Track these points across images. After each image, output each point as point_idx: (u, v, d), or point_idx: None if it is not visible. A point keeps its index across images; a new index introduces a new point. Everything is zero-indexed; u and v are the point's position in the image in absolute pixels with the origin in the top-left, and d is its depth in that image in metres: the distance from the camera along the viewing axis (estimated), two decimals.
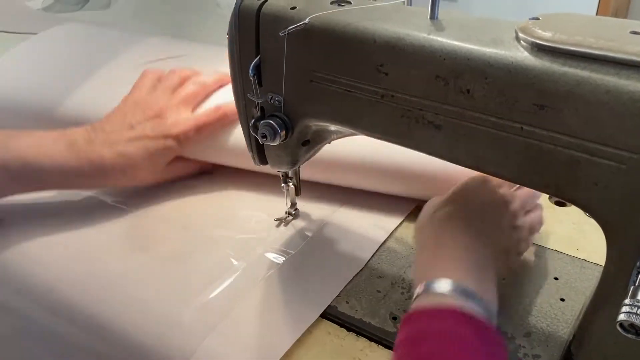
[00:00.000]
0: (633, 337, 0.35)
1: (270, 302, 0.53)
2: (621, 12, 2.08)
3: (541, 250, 0.59)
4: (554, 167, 0.38)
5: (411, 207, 0.66)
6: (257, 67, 0.50)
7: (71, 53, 0.86)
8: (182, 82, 0.69)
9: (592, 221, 0.63)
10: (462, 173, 0.58)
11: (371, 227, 0.63)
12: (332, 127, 0.52)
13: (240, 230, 0.63)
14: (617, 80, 0.34)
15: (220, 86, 0.71)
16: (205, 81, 0.69)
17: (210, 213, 0.66)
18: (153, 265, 0.58)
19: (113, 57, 0.82)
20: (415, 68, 0.41)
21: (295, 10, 0.47)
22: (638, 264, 0.37)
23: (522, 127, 0.38)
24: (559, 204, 0.68)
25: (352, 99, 0.46)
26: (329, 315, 0.52)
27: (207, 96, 0.70)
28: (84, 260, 0.59)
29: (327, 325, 0.52)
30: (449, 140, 0.42)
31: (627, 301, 0.35)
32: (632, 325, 0.35)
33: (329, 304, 0.53)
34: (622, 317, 0.35)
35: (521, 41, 0.38)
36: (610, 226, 0.38)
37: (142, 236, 0.62)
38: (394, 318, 0.51)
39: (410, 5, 0.47)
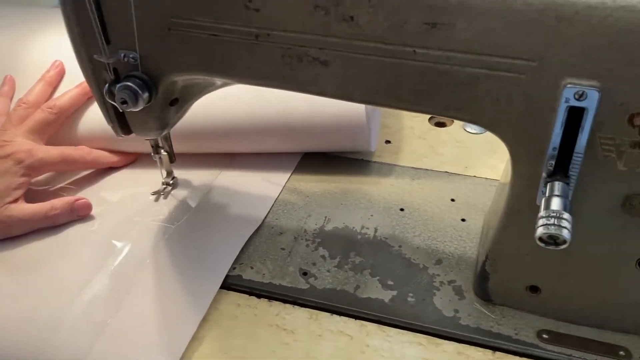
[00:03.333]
0: (553, 247, 0.35)
1: (164, 283, 0.48)
2: None
3: (434, 174, 0.59)
4: (452, 88, 0.36)
5: (299, 156, 0.62)
6: (101, 21, 0.42)
7: None
8: (31, 111, 0.57)
9: (474, 137, 0.65)
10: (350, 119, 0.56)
11: (261, 184, 0.58)
12: (203, 80, 0.46)
13: (115, 212, 0.55)
14: None
15: (78, 106, 0.60)
16: (60, 105, 0.58)
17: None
18: (19, 272, 0.49)
19: None
20: None
21: None
22: (544, 175, 0.36)
23: (414, 51, 0.35)
24: (439, 124, 0.68)
25: (221, 43, 0.40)
26: (235, 285, 0.48)
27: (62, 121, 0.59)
28: None
29: (235, 296, 0.47)
30: (338, 76, 0.39)
31: (542, 213, 0.34)
32: (550, 236, 0.34)
33: (227, 271, 0.48)
34: (540, 230, 0.34)
35: None
36: (515, 141, 0.37)
37: None
38: (305, 273, 0.48)
39: None
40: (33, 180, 0.56)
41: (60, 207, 0.54)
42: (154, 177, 0.59)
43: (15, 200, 0.53)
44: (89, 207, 0.55)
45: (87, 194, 0.58)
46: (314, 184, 0.58)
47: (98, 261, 0.50)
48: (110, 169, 0.61)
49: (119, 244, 0.51)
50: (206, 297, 0.46)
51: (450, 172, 0.59)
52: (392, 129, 0.66)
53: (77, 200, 0.55)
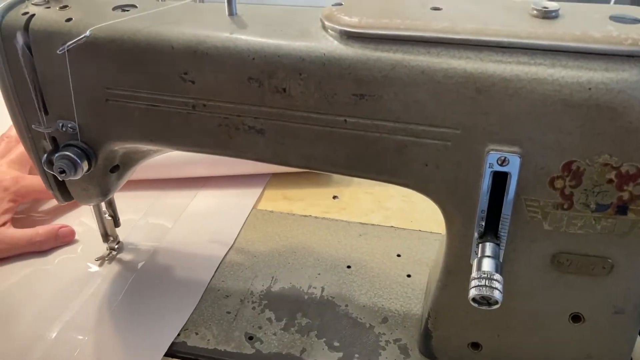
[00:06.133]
0: (486, 307, 0.35)
1: (107, 354, 0.46)
2: None
3: (380, 229, 0.59)
4: (383, 154, 0.37)
5: (245, 216, 0.62)
6: (39, 92, 0.42)
7: None
8: (13, 144, 0.63)
9: None
10: None
11: (208, 245, 0.58)
12: (143, 147, 0.46)
13: (55, 281, 0.54)
14: (430, 59, 0.33)
15: None
16: None
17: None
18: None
19: None
20: (224, 72, 0.37)
21: (71, 22, 0.40)
22: (476, 235, 0.38)
23: (345, 120, 0.37)
24: None
25: (159, 113, 0.41)
26: (180, 353, 0.47)
27: None
28: None
29: None
30: (274, 144, 0.39)
31: (474, 275, 0.35)
32: (483, 297, 0.35)
33: (172, 340, 0.47)
34: (473, 292, 0.35)
35: (329, 30, 0.36)
36: (446, 204, 0.38)
37: None
38: (251, 338, 0.48)
39: (203, 1, 0.43)
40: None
41: (44, 234, 0.57)
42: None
43: (3, 224, 0.56)
44: (72, 234, 0.58)
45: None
46: (262, 243, 0.58)
47: (35, 336, 0.48)
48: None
49: (58, 317, 0.50)
50: None
51: (397, 227, 0.60)
52: (340, 184, 0.67)
53: (61, 227, 0.58)
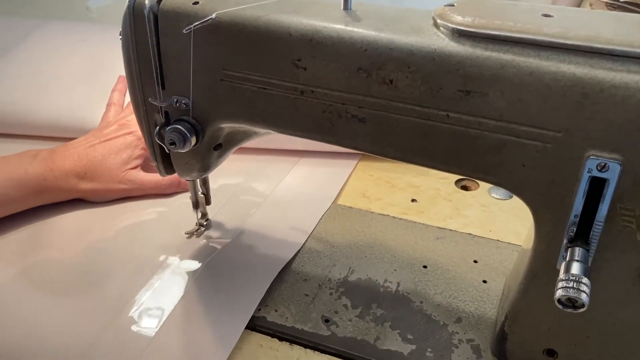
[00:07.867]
0: (571, 310, 0.36)
1: (193, 320, 0.49)
2: None
3: (458, 235, 0.60)
4: (481, 151, 0.38)
5: (327, 206, 0.64)
6: (160, 68, 0.46)
7: None
8: None
9: (498, 202, 0.66)
10: None
11: (289, 231, 0.60)
12: (247, 128, 0.49)
13: (149, 247, 0.58)
14: (539, 62, 0.35)
15: None
16: None
17: (116, 230, 0.61)
18: (54, 298, 0.52)
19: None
20: (336, 61, 0.40)
21: (198, 5, 0.43)
22: (565, 241, 0.38)
23: (447, 115, 0.38)
24: (465, 188, 0.70)
25: (268, 96, 0.43)
26: (259, 326, 0.49)
27: None
28: None
29: (258, 337, 0.49)
30: (375, 133, 0.41)
31: (562, 276, 0.36)
32: (569, 299, 0.35)
33: (253, 312, 0.50)
34: (559, 293, 0.35)
35: (440, 28, 0.38)
36: (538, 206, 0.39)
37: (35, 265, 0.56)
38: (327, 321, 0.50)
39: None
40: None
41: (168, 180, 0.65)
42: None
43: (135, 168, 0.65)
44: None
45: (125, 228, 0.62)
46: (340, 235, 0.60)
47: (130, 293, 0.52)
48: (144, 201, 0.67)
49: (149, 280, 0.54)
50: (231, 338, 0.47)
51: (474, 235, 0.60)
52: (418, 189, 0.69)
53: None
